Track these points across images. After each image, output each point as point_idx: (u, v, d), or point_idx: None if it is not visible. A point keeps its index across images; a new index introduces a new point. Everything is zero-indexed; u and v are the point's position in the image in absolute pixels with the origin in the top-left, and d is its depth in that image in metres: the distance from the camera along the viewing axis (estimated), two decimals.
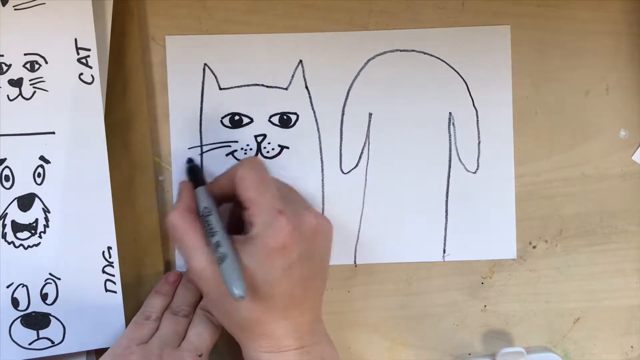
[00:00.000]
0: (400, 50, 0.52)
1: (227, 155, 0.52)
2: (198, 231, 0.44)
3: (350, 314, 0.53)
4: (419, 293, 0.53)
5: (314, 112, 0.52)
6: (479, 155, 0.52)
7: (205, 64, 0.51)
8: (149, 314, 0.48)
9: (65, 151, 0.48)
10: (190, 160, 0.51)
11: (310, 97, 0.52)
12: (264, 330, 0.43)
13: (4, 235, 0.48)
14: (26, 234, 0.48)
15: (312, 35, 0.52)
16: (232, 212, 0.48)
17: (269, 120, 0.52)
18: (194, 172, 0.49)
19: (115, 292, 0.49)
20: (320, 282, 0.46)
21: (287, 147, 0.52)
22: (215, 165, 0.52)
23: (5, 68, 0.47)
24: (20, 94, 0.47)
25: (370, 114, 0.52)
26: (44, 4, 0.47)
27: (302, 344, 0.44)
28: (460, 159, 0.52)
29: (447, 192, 0.52)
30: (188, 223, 0.44)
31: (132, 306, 0.49)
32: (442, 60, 0.52)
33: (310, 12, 0.51)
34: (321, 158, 0.52)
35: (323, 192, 0.52)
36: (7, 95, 0.47)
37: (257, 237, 0.42)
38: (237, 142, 0.52)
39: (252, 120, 0.52)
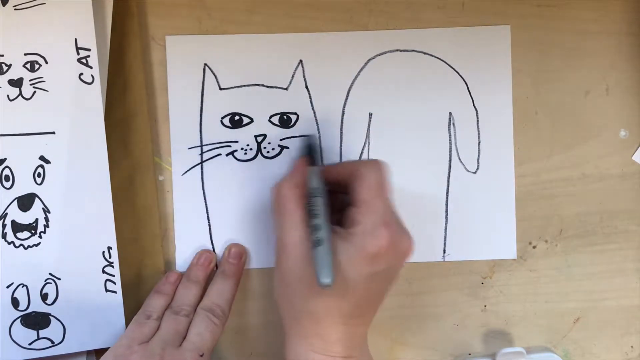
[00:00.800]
0: (400, 50, 0.52)
1: (227, 155, 0.52)
2: (301, 208, 0.44)
3: None
4: (419, 293, 0.53)
5: (314, 112, 0.52)
6: (479, 155, 0.52)
7: (205, 64, 0.51)
8: (150, 314, 0.48)
9: (65, 151, 0.48)
10: (308, 138, 0.51)
11: (310, 97, 0.52)
12: (321, 330, 0.43)
13: (4, 235, 0.48)
14: (26, 234, 0.48)
15: (312, 35, 0.52)
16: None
17: (269, 120, 0.52)
18: (310, 150, 0.49)
19: (115, 292, 0.49)
20: (382, 302, 0.46)
21: (287, 147, 0.52)
22: (215, 165, 0.52)
23: (5, 68, 0.47)
24: (20, 94, 0.47)
25: (370, 114, 0.52)
26: (44, 4, 0.47)
27: (351, 354, 0.44)
28: (460, 159, 0.52)
29: (447, 192, 0.52)
30: (295, 197, 0.44)
31: (132, 306, 0.49)
32: (442, 60, 0.52)
33: (310, 12, 0.51)
34: (321, 158, 0.52)
35: None
36: (7, 95, 0.47)
37: (356, 237, 0.42)
38: (237, 142, 0.52)
39: (252, 120, 0.52)
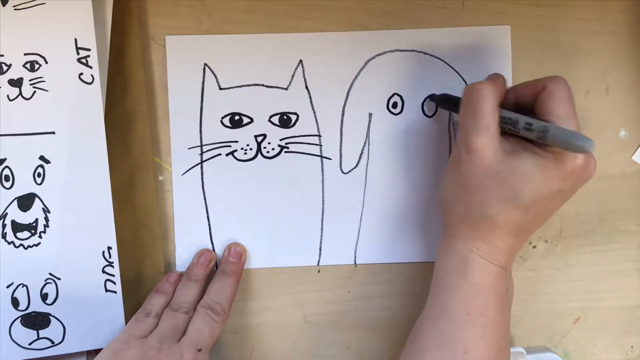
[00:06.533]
0: (400, 50, 0.52)
1: (227, 155, 0.52)
2: (498, 113, 0.43)
3: (350, 314, 0.53)
4: (419, 293, 0.53)
5: (314, 112, 0.52)
6: None
7: (205, 64, 0.51)
8: (149, 311, 0.48)
9: (65, 151, 0.48)
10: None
11: (310, 97, 0.52)
12: (491, 237, 0.43)
13: (4, 235, 0.48)
14: (26, 234, 0.48)
15: (312, 35, 0.52)
16: None
17: (269, 120, 0.52)
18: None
19: (115, 292, 0.49)
20: (547, 220, 0.45)
21: (287, 147, 0.52)
22: (215, 165, 0.52)
23: (5, 68, 0.47)
24: (20, 94, 0.47)
25: (370, 114, 0.52)
26: (44, 4, 0.47)
27: (506, 265, 0.44)
28: None
29: None
30: (494, 100, 0.43)
31: (132, 306, 0.49)
32: (442, 60, 0.52)
33: (310, 12, 0.51)
34: (321, 158, 0.52)
35: (323, 192, 0.52)
36: (7, 95, 0.47)
37: (555, 152, 0.42)
38: (237, 142, 0.52)
39: (252, 120, 0.52)
